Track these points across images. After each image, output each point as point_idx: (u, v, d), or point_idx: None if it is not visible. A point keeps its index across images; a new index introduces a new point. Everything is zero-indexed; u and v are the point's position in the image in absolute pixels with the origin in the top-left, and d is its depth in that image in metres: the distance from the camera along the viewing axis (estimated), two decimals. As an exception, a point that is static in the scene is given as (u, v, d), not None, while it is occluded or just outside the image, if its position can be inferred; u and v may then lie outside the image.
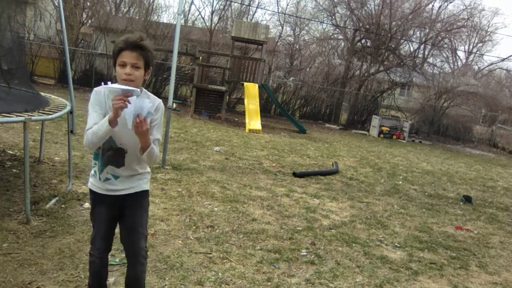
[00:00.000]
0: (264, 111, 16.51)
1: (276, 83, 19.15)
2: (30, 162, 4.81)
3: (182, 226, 3.97)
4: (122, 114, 1.93)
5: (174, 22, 18.01)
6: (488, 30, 29.27)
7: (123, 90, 1.86)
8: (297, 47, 21.65)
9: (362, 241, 4.28)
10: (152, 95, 2.13)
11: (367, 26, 18.23)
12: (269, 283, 3.11)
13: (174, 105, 13.26)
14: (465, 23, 20.09)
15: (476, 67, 28.95)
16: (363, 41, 19.12)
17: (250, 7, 23.40)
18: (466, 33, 23.14)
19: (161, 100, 2.15)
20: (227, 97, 14.96)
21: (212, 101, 13.95)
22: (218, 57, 18.44)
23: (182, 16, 18.09)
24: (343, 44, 20.51)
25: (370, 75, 18.71)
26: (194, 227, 3.97)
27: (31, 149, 5.47)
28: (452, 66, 26.96)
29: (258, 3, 22.87)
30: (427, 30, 19.27)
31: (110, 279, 2.82)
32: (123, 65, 1.97)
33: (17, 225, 3.41)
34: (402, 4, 18.46)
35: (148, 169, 2.27)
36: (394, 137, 15.56)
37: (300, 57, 20.84)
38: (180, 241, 3.61)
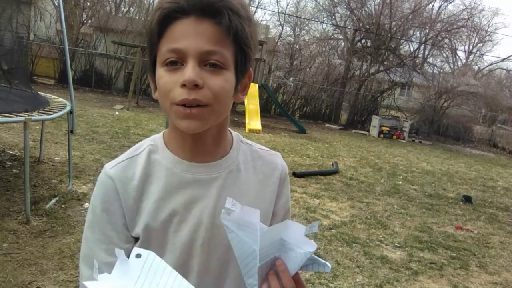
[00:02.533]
0: (264, 111, 16.49)
1: (276, 83, 19.14)
2: (30, 162, 4.81)
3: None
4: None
5: (174, 22, 17.98)
6: (488, 30, 29.24)
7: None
8: (297, 47, 21.63)
9: (362, 241, 4.28)
10: (263, 150, 0.96)
11: (367, 26, 18.23)
12: (269, 283, 3.10)
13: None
14: (465, 23, 20.11)
15: (476, 67, 28.93)
16: (363, 41, 19.13)
17: (250, 7, 23.42)
18: (466, 33, 23.15)
19: (281, 157, 0.97)
20: (227, 97, 14.93)
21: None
22: (218, 57, 18.41)
23: (182, 16, 18.06)
24: (343, 44, 20.51)
25: (370, 75, 18.71)
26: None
27: (31, 149, 5.47)
28: (452, 66, 26.92)
29: (258, 3, 22.78)
30: (427, 30, 19.28)
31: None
32: (177, 61, 0.74)
33: (17, 225, 3.41)
34: (402, 4, 18.48)
35: None
36: (394, 137, 15.56)
37: (300, 57, 20.83)
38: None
